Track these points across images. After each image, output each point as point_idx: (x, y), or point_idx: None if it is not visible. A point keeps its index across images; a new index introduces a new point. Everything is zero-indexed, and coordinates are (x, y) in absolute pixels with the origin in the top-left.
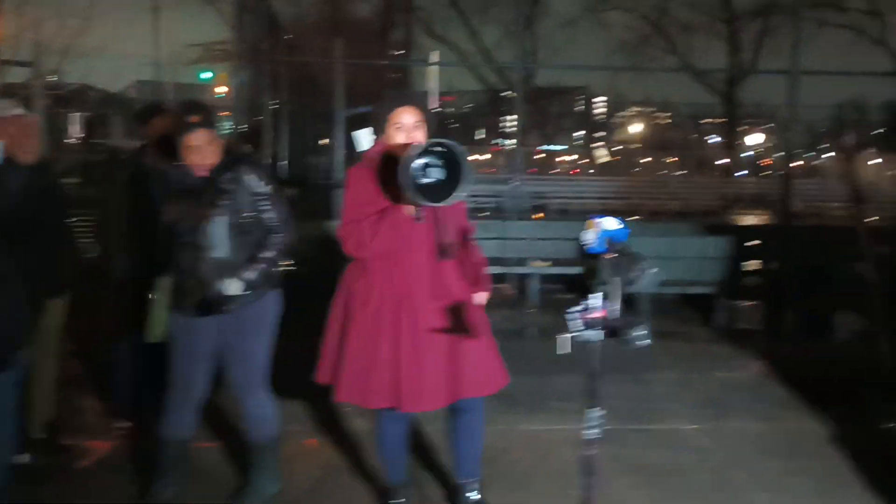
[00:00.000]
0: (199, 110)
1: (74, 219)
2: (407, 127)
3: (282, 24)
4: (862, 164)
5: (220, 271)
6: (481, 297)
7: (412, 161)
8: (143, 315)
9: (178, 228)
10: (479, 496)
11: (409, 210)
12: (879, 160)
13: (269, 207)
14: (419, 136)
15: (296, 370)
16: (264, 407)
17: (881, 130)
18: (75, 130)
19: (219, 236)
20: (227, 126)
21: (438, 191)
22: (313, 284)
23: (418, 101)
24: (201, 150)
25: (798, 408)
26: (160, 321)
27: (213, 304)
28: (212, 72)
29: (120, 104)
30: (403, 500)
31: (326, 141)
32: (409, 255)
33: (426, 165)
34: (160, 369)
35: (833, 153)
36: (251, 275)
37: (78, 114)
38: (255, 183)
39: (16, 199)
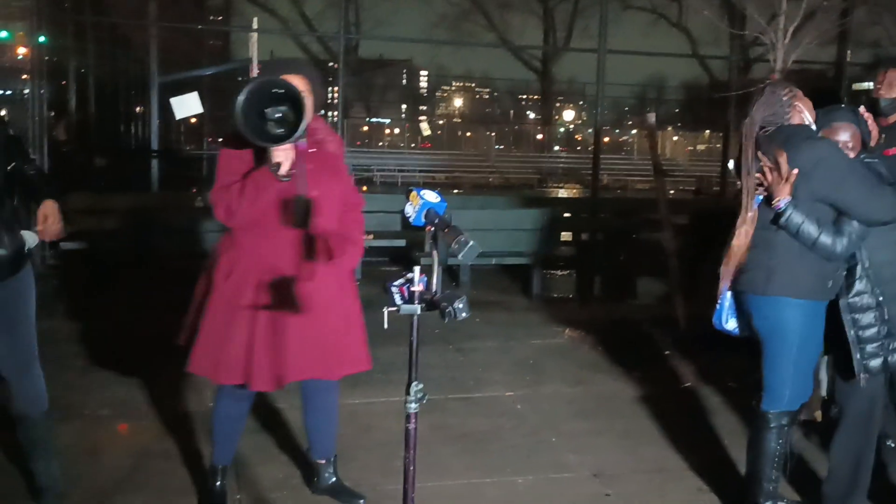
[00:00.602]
0: None
1: None
2: None
3: None
4: (662, 140)
5: None
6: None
7: (242, 99)
8: None
9: None
10: (336, 476)
11: (271, 167)
12: (677, 137)
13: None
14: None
15: (103, 350)
16: (33, 379)
17: (677, 110)
18: None
19: None
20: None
21: (284, 133)
22: (115, 259)
23: (305, 69)
24: None
25: (606, 370)
26: None
27: None
28: (8, 32)
29: None
30: (220, 482)
31: (140, 109)
32: (278, 229)
33: (264, 112)
34: None
35: (636, 129)
36: (30, 235)
37: None
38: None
39: None
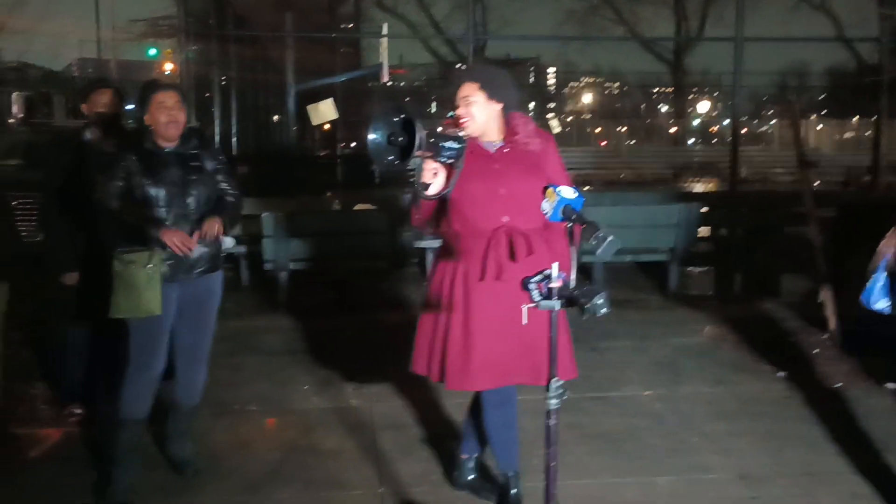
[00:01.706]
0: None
1: (15, 202)
2: (461, 101)
3: None
4: (806, 129)
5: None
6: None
7: (371, 138)
8: (100, 296)
9: (155, 201)
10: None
11: (419, 188)
12: (822, 126)
13: (225, 179)
14: (471, 112)
15: (251, 349)
16: (202, 374)
17: (823, 96)
18: (15, 110)
19: (195, 207)
20: None
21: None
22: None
23: (477, 74)
24: (172, 113)
25: (748, 370)
26: (154, 294)
27: (181, 271)
28: (156, 49)
29: (62, 83)
30: (515, 490)
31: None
32: (475, 233)
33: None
34: (111, 353)
35: (777, 119)
36: (229, 240)
37: (16, 93)
38: (214, 153)
39: None
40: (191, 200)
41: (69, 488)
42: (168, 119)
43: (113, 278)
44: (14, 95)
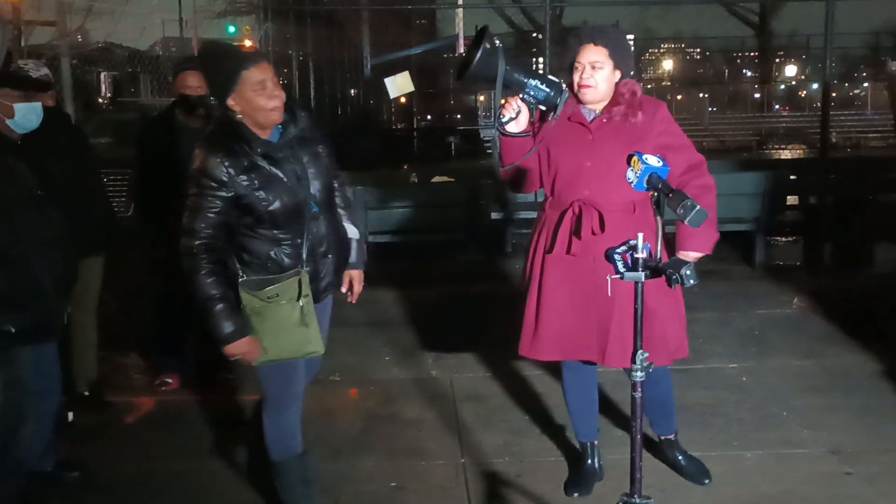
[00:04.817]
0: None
1: (107, 179)
2: (583, 67)
3: None
4: None
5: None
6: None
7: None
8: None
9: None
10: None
11: (497, 118)
12: None
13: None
14: (596, 79)
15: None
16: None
17: None
18: (104, 90)
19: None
20: None
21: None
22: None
23: (605, 37)
24: (269, 90)
25: (839, 343)
26: (314, 331)
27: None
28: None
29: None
30: (590, 461)
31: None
32: (562, 204)
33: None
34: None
35: (870, 82)
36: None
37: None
38: (315, 134)
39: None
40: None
41: (161, 453)
42: (272, 104)
43: (246, 317)
44: (102, 75)
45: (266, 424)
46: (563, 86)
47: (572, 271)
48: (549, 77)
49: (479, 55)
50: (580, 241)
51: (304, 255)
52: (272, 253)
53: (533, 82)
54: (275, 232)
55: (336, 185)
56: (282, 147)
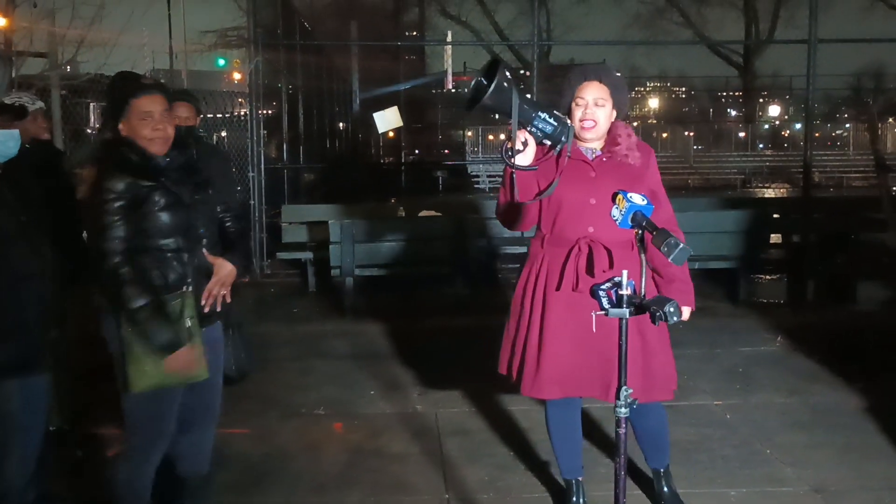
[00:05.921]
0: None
1: None
2: (586, 103)
3: (295, 8)
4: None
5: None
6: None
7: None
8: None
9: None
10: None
11: (506, 150)
12: None
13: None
14: (598, 116)
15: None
16: (211, 436)
17: None
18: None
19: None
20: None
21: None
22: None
23: (604, 75)
24: (154, 121)
25: (822, 380)
26: (199, 352)
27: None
28: (225, 59)
29: None
30: (575, 498)
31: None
32: (560, 241)
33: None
34: None
35: (852, 122)
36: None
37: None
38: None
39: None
40: (199, 224)
41: None
42: (153, 135)
43: (123, 344)
44: (92, 105)
45: (121, 473)
46: (568, 121)
47: (575, 308)
48: (556, 112)
49: (492, 88)
50: (592, 278)
51: (190, 275)
52: (160, 270)
53: (542, 115)
54: (162, 245)
55: (227, 219)
56: (168, 169)
